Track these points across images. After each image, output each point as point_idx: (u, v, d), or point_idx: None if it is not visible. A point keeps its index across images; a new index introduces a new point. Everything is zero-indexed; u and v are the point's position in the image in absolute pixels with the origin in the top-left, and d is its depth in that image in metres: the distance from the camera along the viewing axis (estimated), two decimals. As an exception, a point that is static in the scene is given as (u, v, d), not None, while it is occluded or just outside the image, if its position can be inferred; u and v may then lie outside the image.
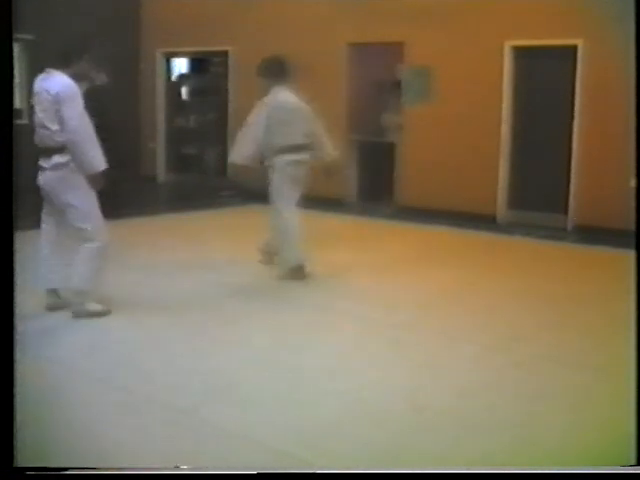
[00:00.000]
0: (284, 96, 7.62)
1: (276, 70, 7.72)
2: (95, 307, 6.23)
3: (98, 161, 6.07)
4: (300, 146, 7.68)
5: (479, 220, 10.74)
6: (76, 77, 6.10)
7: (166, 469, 3.56)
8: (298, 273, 7.62)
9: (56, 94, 5.91)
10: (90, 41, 6.42)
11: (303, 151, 7.71)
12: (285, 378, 5.02)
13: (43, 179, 6.14)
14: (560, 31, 10.30)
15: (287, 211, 7.74)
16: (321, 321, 6.36)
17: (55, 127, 5.95)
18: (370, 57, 12.20)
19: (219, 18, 13.49)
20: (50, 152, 6.04)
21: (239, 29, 13.35)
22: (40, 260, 6.31)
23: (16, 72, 11.33)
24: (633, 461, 3.22)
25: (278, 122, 7.56)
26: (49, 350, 5.38)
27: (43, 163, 6.11)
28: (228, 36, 13.52)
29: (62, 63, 6.08)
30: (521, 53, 10.82)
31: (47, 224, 6.35)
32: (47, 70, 6.11)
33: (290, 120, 7.57)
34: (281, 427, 4.24)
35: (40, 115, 6.04)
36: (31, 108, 6.28)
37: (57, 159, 6.03)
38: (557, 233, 10.28)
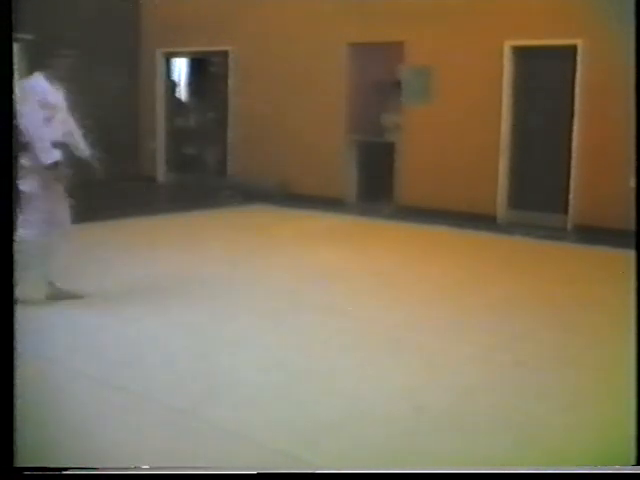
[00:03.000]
0: None
1: None
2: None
3: (45, 155, 6.12)
4: None
5: (479, 220, 10.74)
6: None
7: (166, 469, 3.56)
8: None
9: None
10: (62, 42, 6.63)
11: None
12: (285, 378, 5.01)
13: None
14: (560, 31, 10.29)
15: None
16: (321, 321, 6.35)
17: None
18: (370, 57, 12.21)
19: (219, 18, 13.48)
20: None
21: (239, 29, 13.35)
22: None
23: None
24: (633, 461, 3.22)
25: None
26: (49, 350, 5.37)
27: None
28: (228, 36, 13.52)
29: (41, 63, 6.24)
30: (521, 53, 10.82)
31: None
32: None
33: None
34: (281, 427, 4.24)
35: None
36: None
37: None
38: (557, 233, 10.28)
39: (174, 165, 15.10)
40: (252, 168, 13.26)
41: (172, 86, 15.37)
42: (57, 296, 6.53)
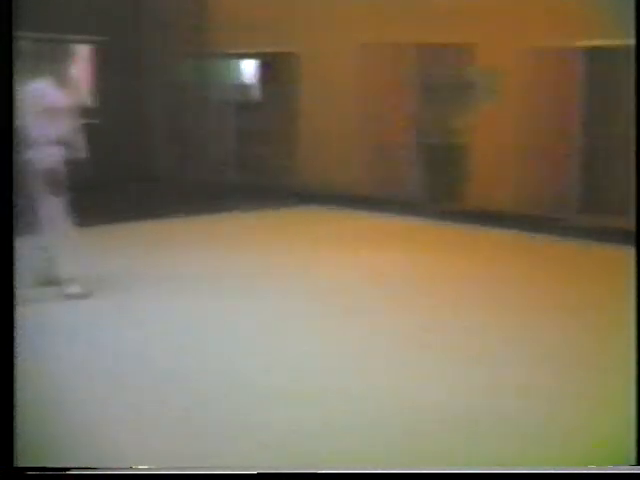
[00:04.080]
0: None
1: None
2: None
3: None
4: None
5: (546, 223, 10.48)
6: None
7: (166, 469, 3.55)
8: None
9: None
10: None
11: None
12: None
13: None
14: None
15: None
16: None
17: None
18: (440, 59, 12.14)
19: (285, 20, 13.43)
20: None
21: (305, 31, 13.30)
22: None
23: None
24: (633, 461, 3.16)
25: None
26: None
27: None
28: (295, 38, 13.48)
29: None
30: (593, 54, 10.56)
31: None
32: None
33: None
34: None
35: None
36: None
37: None
38: (628, 238, 9.83)
39: (237, 166, 15.12)
40: (318, 169, 13.24)
41: (237, 87, 15.43)
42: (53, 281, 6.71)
